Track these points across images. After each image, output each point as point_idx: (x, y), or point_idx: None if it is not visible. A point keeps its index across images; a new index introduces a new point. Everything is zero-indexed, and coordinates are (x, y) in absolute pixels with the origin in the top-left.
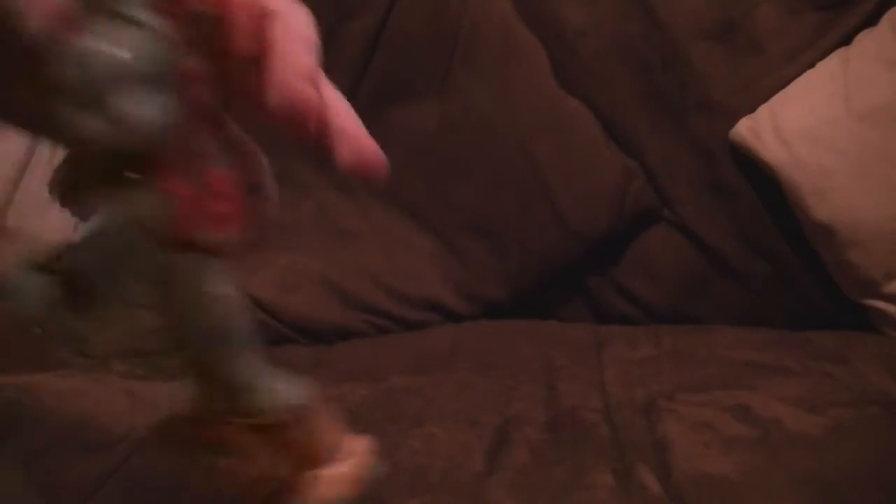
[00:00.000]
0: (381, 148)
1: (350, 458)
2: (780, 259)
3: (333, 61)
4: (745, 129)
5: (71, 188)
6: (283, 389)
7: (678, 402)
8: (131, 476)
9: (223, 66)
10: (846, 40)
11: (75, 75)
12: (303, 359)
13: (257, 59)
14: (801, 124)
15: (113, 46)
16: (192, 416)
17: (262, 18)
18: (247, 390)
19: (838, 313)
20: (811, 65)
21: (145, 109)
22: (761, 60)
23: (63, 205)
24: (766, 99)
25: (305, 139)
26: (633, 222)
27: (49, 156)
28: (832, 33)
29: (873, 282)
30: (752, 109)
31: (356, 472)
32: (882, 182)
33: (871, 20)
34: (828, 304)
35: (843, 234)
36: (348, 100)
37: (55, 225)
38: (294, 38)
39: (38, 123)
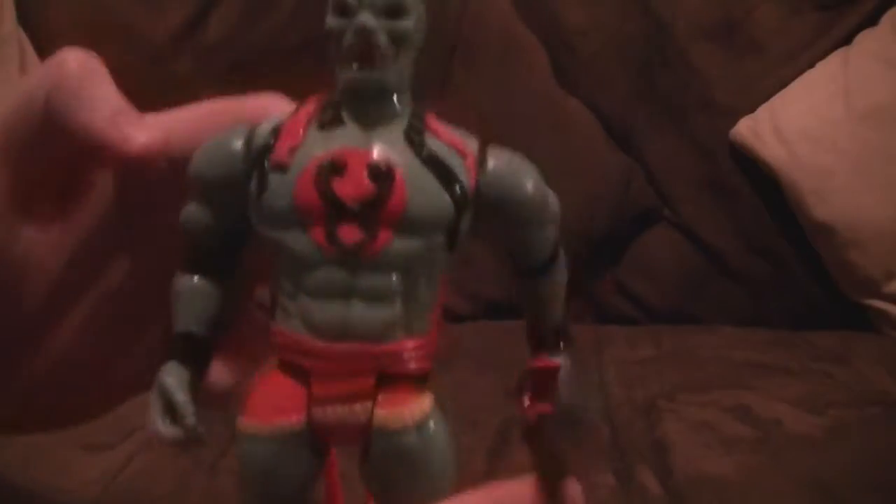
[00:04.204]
0: None
1: None
2: (780, 259)
3: None
4: (745, 128)
5: None
6: None
7: (678, 403)
8: (134, 477)
9: None
10: (846, 40)
11: None
12: None
13: None
14: (801, 124)
15: None
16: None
17: None
18: None
19: (838, 313)
20: (811, 65)
21: None
22: (761, 60)
23: None
24: (766, 99)
25: None
26: (633, 222)
27: None
28: (832, 33)
29: (873, 282)
30: (752, 109)
31: None
32: (882, 182)
33: (871, 20)
34: (828, 304)
35: (843, 234)
36: None
37: None
38: None
39: None
